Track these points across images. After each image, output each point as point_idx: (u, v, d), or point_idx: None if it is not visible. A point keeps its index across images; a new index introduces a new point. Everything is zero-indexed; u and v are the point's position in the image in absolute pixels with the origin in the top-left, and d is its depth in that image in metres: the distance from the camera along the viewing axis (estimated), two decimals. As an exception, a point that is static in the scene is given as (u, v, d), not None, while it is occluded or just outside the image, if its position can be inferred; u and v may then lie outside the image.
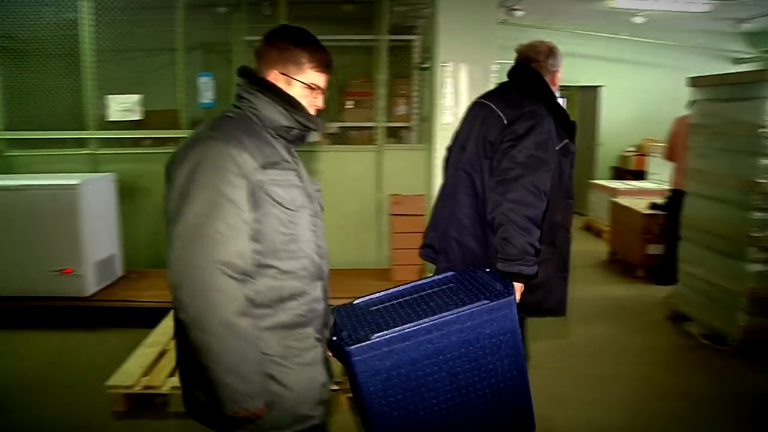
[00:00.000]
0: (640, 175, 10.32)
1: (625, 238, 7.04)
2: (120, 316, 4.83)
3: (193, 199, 1.62)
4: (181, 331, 1.70)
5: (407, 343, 1.97)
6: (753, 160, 4.44)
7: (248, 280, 1.69)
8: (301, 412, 1.83)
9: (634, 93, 11.71)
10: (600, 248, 7.90)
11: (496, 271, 2.42)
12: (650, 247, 6.62)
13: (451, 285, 2.35)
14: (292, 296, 1.77)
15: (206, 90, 5.78)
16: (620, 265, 7.12)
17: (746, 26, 10.74)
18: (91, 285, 4.94)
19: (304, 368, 1.83)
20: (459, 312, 2.02)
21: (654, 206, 6.87)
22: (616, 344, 4.78)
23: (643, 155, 10.67)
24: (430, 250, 2.98)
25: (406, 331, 1.97)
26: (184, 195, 1.63)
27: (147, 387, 3.55)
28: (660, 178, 8.96)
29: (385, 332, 1.97)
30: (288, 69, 1.83)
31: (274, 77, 1.83)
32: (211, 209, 1.61)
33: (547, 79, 2.82)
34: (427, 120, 3.93)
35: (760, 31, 11.16)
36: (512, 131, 2.56)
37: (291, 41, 1.84)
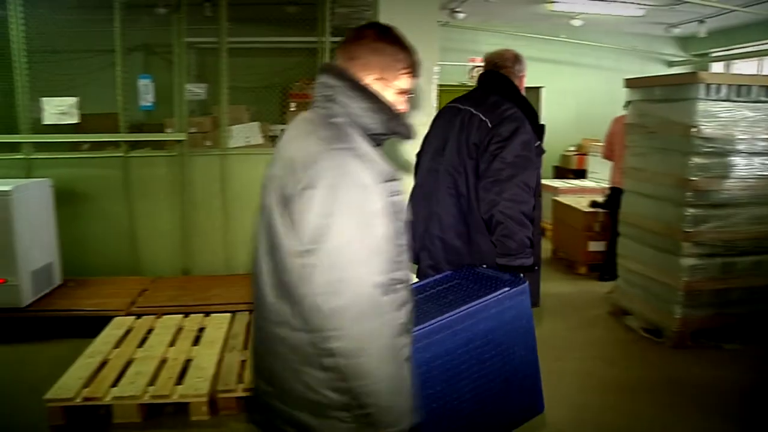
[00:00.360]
0: (581, 173, 10.54)
1: (568, 235, 7.20)
2: (59, 326, 4.67)
3: (339, 219, 1.50)
4: (285, 352, 1.63)
5: (443, 334, 2.02)
6: (685, 159, 4.60)
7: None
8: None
9: (573, 94, 11.98)
10: (543, 246, 8.04)
11: (489, 267, 2.61)
12: (591, 244, 6.79)
13: (457, 281, 2.46)
14: (405, 304, 1.64)
15: (146, 92, 5.66)
16: (563, 263, 7.28)
17: (677, 31, 11.13)
18: (27, 295, 4.76)
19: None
20: (486, 300, 2.15)
21: (594, 204, 7.05)
22: (560, 339, 4.88)
23: (584, 154, 10.91)
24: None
25: (442, 322, 2.03)
26: (328, 215, 1.50)
27: (88, 399, 3.43)
28: (600, 176, 9.18)
29: (422, 325, 1.98)
30: (385, 74, 1.73)
31: (371, 81, 1.72)
32: (360, 229, 1.51)
33: (516, 83, 2.98)
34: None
35: (690, 35, 11.58)
36: (498, 134, 2.71)
37: (389, 44, 1.75)
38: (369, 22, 1.79)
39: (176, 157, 5.65)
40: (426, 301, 2.28)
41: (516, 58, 3.07)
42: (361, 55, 1.72)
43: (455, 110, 2.97)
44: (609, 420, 3.66)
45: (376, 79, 1.72)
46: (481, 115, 2.81)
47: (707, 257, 4.70)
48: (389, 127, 1.70)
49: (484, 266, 2.61)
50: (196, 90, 5.97)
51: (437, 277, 2.57)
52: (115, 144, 5.65)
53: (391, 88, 1.74)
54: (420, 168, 3.09)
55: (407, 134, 1.76)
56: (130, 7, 5.48)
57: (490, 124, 2.76)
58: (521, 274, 2.46)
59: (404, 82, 1.76)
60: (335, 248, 1.49)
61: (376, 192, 1.52)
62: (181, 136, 5.60)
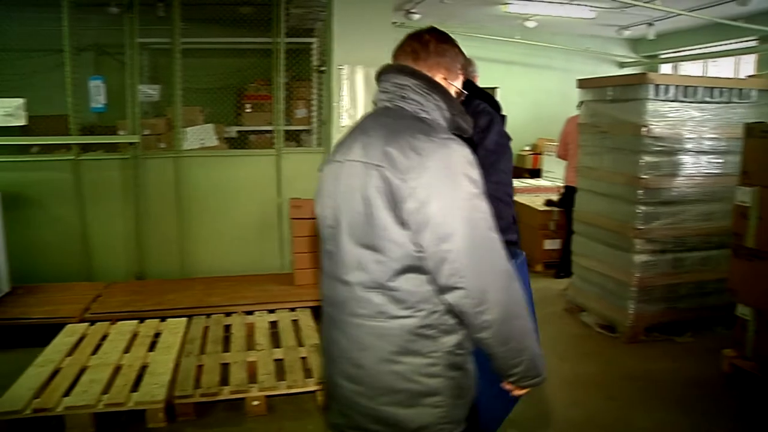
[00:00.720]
0: (536, 173, 10.69)
1: (524, 234, 7.24)
2: (7, 335, 4.51)
3: (462, 204, 1.57)
4: (378, 344, 1.65)
5: None
6: (636, 158, 4.70)
7: None
8: None
9: (528, 94, 12.13)
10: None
11: None
12: (547, 242, 6.89)
13: None
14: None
15: (98, 94, 5.53)
16: (519, 261, 7.35)
17: (627, 33, 11.38)
18: (-27, 303, 4.61)
19: None
20: None
21: (549, 203, 7.15)
22: (517, 337, 4.93)
23: (539, 154, 11.07)
24: None
25: None
26: (452, 204, 1.56)
27: (38, 410, 3.32)
28: (554, 175, 9.33)
29: None
30: (450, 74, 1.84)
31: (439, 80, 1.80)
32: (479, 211, 1.59)
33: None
34: (326, 123, 3.91)
35: (640, 37, 11.85)
36: (477, 126, 2.79)
37: (450, 46, 1.86)
38: (428, 27, 1.90)
39: (129, 160, 5.54)
40: None
41: (468, 62, 3.14)
42: (427, 57, 1.81)
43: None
44: (569, 416, 3.71)
45: (442, 78, 1.82)
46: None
47: (658, 253, 4.82)
48: (455, 123, 1.77)
49: None
50: (149, 91, 5.87)
51: None
52: (66, 147, 5.50)
53: (451, 87, 1.84)
54: None
55: (468, 131, 1.83)
56: (79, 5, 5.35)
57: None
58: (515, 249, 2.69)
59: (459, 81, 1.88)
60: (468, 232, 1.56)
61: (476, 175, 1.61)
62: (134, 139, 5.49)
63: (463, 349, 1.72)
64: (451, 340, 1.68)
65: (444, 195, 1.55)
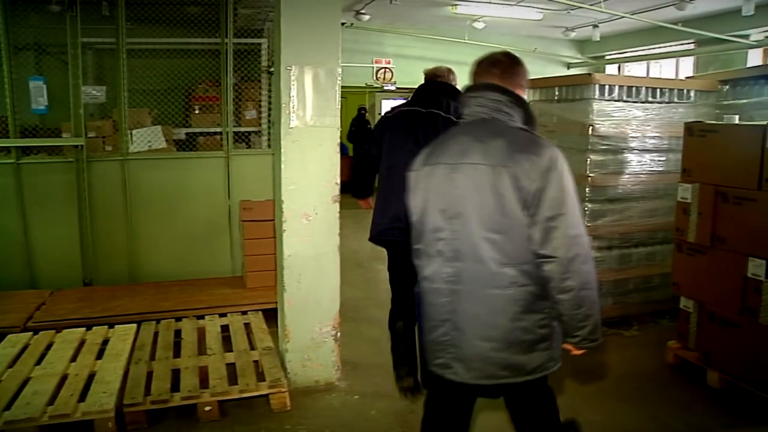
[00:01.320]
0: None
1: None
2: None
3: (568, 192, 2.05)
4: (509, 308, 2.11)
5: None
6: (583, 156, 4.81)
7: None
8: None
9: (478, 95, 12.23)
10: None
11: None
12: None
13: None
14: None
15: (39, 95, 5.35)
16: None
17: (574, 34, 11.62)
18: None
19: None
20: None
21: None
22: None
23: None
24: (397, 231, 3.53)
25: None
26: (563, 190, 2.04)
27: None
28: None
29: None
30: (523, 90, 2.30)
31: (520, 95, 2.26)
32: (575, 198, 2.08)
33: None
34: (275, 124, 3.88)
35: (586, 39, 12.11)
36: None
37: (522, 66, 2.31)
38: (503, 52, 2.36)
39: (74, 163, 5.39)
40: None
41: (450, 71, 3.87)
42: (509, 76, 2.25)
43: (415, 112, 3.68)
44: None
45: (521, 93, 2.28)
46: (444, 114, 3.60)
47: (606, 250, 4.93)
48: (532, 128, 2.23)
49: None
50: (94, 92, 5.71)
51: None
52: (5, 150, 5.32)
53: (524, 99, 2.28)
54: (396, 156, 3.57)
55: (535, 132, 2.28)
56: (16, 2, 5.18)
57: (454, 119, 3.46)
58: None
59: (525, 94, 2.32)
60: (570, 213, 2.04)
61: (569, 171, 2.09)
62: (79, 141, 5.34)
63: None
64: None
65: (555, 184, 2.02)
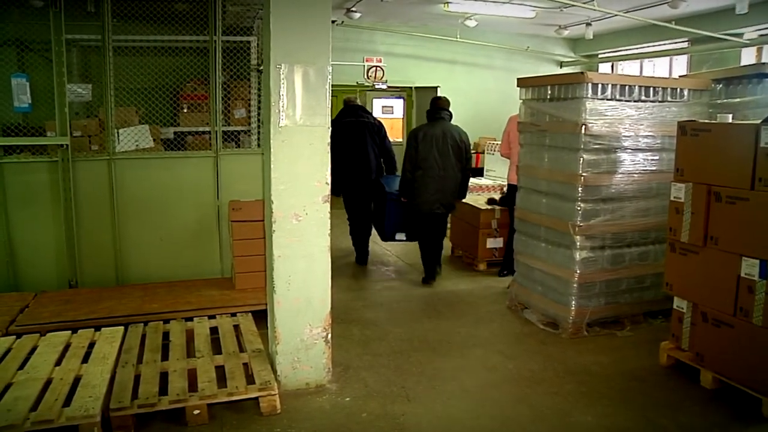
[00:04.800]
0: (478, 172, 10.81)
1: (466, 233, 7.37)
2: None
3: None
4: (451, 182, 6.31)
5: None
6: (575, 156, 4.82)
7: None
8: None
9: (470, 93, 12.29)
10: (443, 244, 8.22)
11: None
12: (490, 241, 6.99)
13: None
14: None
15: (22, 93, 5.31)
16: (462, 261, 7.46)
17: (567, 33, 11.65)
18: None
19: None
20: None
21: (491, 201, 7.26)
22: (460, 336, 5.00)
23: (481, 153, 11.20)
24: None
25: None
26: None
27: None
28: (496, 174, 9.48)
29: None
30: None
31: None
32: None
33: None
34: (265, 123, 3.87)
35: (579, 37, 12.15)
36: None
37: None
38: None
39: (58, 163, 5.35)
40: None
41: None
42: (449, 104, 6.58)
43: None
44: (513, 412, 3.77)
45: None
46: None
47: (598, 250, 4.95)
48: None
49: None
50: (79, 90, 5.67)
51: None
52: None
53: None
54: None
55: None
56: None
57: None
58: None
59: None
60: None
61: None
62: (64, 140, 5.30)
63: None
64: None
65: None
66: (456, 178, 6.31)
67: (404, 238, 6.94)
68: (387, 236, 6.97)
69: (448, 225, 8.04)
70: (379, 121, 7.24)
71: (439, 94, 8.00)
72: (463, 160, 6.33)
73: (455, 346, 4.80)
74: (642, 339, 4.90)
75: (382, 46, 11.88)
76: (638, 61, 12.32)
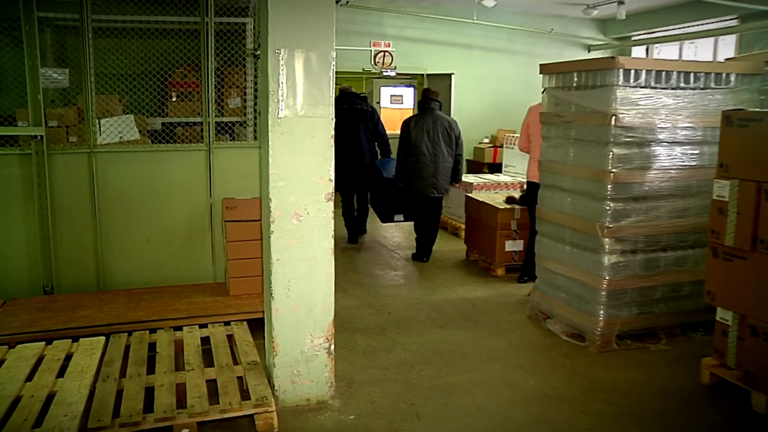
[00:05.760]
0: (496, 167, 10.79)
1: (483, 235, 7.36)
2: None
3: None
4: (445, 167, 7.63)
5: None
6: (604, 150, 4.80)
7: None
8: None
9: (486, 80, 12.25)
10: (457, 247, 8.24)
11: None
12: (508, 243, 6.98)
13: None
14: None
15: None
16: (478, 265, 7.44)
17: (596, 13, 11.58)
18: None
19: None
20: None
21: (510, 200, 7.25)
22: (476, 348, 4.99)
23: (499, 147, 11.18)
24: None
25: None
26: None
27: None
28: (516, 170, 9.45)
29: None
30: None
31: None
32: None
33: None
34: (262, 114, 3.86)
35: (609, 17, 12.07)
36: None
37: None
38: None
39: (32, 156, 5.35)
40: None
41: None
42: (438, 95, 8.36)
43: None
44: (532, 434, 3.76)
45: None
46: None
47: (629, 254, 4.93)
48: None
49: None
50: (55, 75, 5.68)
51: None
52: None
53: None
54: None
55: None
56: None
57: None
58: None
59: None
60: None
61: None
62: (38, 131, 5.30)
63: None
64: None
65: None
66: (448, 162, 7.51)
67: (402, 219, 8.56)
68: (386, 218, 8.63)
69: (462, 226, 8.07)
70: (373, 108, 8.84)
71: (429, 86, 10.37)
72: (454, 146, 7.57)
73: (470, 359, 4.79)
74: (680, 354, 4.87)
75: (390, 29, 11.86)
76: (677, 43, 12.18)
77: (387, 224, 9.24)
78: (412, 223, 8.04)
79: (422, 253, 7.75)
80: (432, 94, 7.81)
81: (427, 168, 7.39)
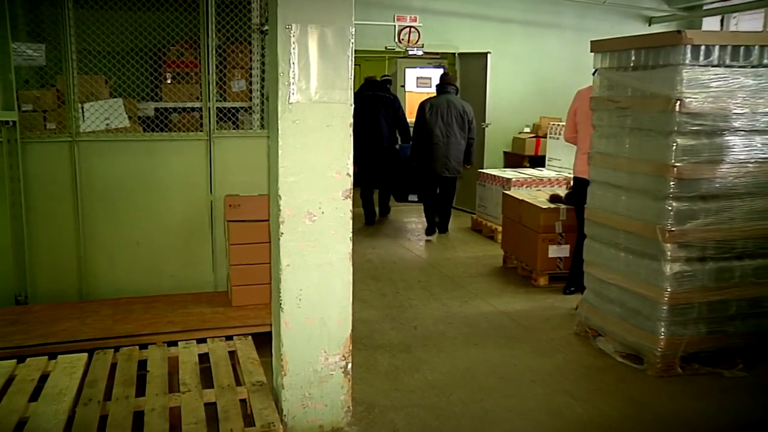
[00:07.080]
0: (539, 161, 10.74)
1: (522, 239, 7.34)
2: None
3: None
4: (458, 147, 9.74)
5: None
6: (667, 141, 4.76)
7: None
8: None
9: (528, 61, 12.19)
10: (493, 252, 8.24)
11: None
12: (552, 249, 6.95)
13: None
14: None
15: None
16: (517, 273, 7.43)
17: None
18: None
19: None
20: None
21: (555, 199, 7.22)
22: (516, 370, 4.98)
23: (542, 137, 11.11)
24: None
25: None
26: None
27: None
28: (562, 164, 9.41)
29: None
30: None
31: None
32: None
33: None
34: (271, 98, 3.86)
35: (674, -16, 11.83)
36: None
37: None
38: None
39: (3, 145, 5.38)
40: None
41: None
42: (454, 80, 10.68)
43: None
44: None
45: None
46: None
47: (696, 262, 4.88)
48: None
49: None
50: (29, 52, 5.70)
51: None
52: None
53: None
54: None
55: None
56: None
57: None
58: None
59: None
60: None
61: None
62: (10, 116, 5.33)
63: None
64: None
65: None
66: (460, 145, 9.32)
67: (416, 199, 11.12)
68: (400, 197, 11.37)
69: (499, 229, 8.06)
70: (395, 95, 10.80)
71: (446, 71, 11.29)
72: (467, 129, 9.38)
73: (508, 382, 4.78)
74: (759, 382, 4.82)
75: (417, 1, 11.87)
76: (761, 11, 11.82)
77: (408, 220, 10.98)
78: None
79: (431, 229, 9.72)
80: (450, 78, 9.94)
81: (439, 149, 9.22)
